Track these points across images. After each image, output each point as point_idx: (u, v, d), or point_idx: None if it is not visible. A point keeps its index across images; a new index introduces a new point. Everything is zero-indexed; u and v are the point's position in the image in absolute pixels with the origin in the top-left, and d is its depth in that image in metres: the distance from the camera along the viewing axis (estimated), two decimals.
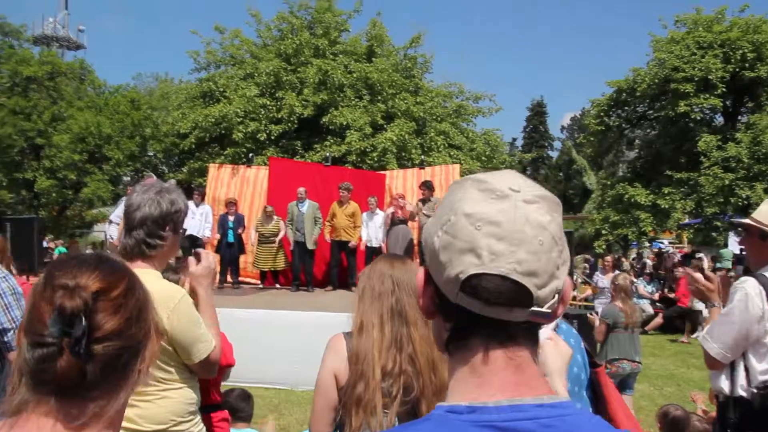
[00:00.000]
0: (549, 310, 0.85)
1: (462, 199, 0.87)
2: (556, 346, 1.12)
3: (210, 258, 2.41)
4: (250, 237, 11.74)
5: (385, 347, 1.98)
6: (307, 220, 11.03)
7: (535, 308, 0.83)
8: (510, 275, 0.82)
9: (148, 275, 2.18)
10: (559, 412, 0.83)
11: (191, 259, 2.39)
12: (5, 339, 2.64)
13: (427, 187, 11.00)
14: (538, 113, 51.64)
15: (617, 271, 9.86)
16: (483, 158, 21.69)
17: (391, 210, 11.28)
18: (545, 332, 1.10)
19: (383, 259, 2.20)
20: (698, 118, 19.50)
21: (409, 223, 11.17)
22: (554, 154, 52.79)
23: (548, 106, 52.85)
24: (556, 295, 0.85)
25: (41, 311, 0.98)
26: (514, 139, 50.34)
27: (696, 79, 18.64)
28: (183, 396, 2.27)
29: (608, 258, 12.11)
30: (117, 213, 9.57)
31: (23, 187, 24.82)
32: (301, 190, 11.13)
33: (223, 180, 14.00)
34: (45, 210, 24.60)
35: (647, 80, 19.83)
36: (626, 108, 22.28)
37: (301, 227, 11.04)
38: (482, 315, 0.84)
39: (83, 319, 0.96)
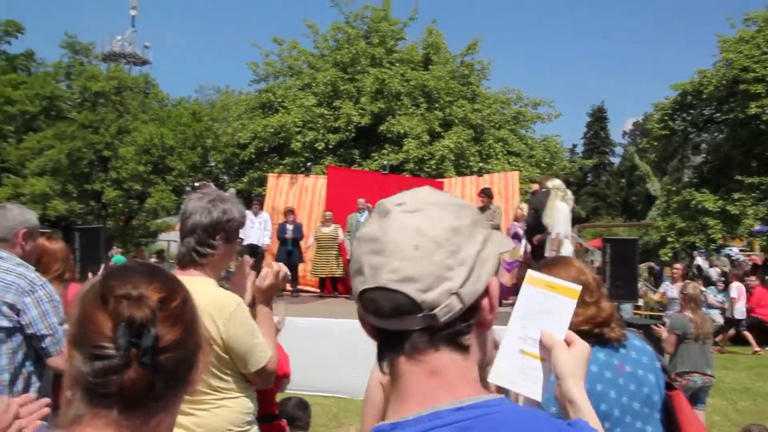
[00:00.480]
0: (448, 312, 0.84)
1: (362, 226, 0.92)
2: (570, 346, 1.07)
3: (278, 276, 2.39)
4: (308, 244, 11.83)
5: None
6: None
7: (426, 313, 0.83)
8: (388, 285, 0.83)
9: (201, 283, 2.19)
10: (480, 413, 0.82)
11: (263, 271, 2.37)
12: (43, 345, 2.67)
13: (486, 194, 10.82)
14: (598, 119, 50.45)
15: (687, 281, 9.49)
16: (542, 165, 21.34)
17: None
18: (560, 331, 1.06)
19: None
20: None
21: None
22: (616, 161, 51.63)
23: (609, 112, 51.77)
24: (453, 296, 0.84)
25: (99, 322, 0.95)
26: (574, 146, 49.27)
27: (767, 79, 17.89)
28: (240, 405, 2.25)
29: (678, 266, 11.66)
30: None
31: (92, 197, 25.68)
32: (362, 201, 11.16)
33: (282, 189, 14.17)
34: (112, 220, 25.42)
35: (714, 82, 19.12)
36: (692, 111, 21.55)
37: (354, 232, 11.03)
38: (384, 329, 0.87)
39: (151, 329, 0.95)
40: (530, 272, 1.11)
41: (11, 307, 2.60)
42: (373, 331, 0.90)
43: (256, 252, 12.24)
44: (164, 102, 29.22)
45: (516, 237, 10.70)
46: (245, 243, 12.14)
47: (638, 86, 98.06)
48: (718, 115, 21.16)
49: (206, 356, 1.07)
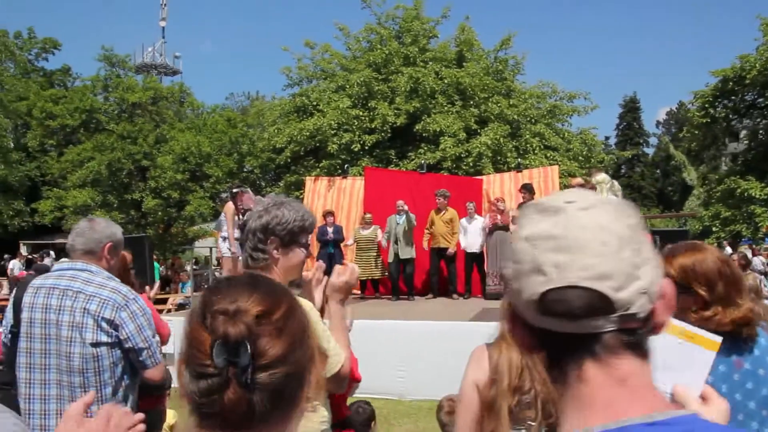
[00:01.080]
0: (639, 313, 0.80)
1: (522, 225, 0.87)
2: (707, 403, 0.98)
3: (353, 275, 2.37)
4: (348, 245, 11.82)
5: (515, 365, 1.92)
6: (402, 232, 11.01)
7: (620, 313, 0.80)
8: (580, 283, 0.79)
9: None
10: (676, 431, 0.77)
11: (336, 269, 2.34)
12: (140, 358, 2.71)
13: (527, 190, 10.69)
14: (631, 109, 49.67)
15: (748, 271, 9.25)
16: (580, 158, 21.10)
17: (489, 216, 11.11)
18: (696, 386, 0.97)
19: None
20: None
21: (511, 228, 10.93)
22: (650, 151, 50.77)
23: (642, 102, 50.82)
24: (644, 296, 0.80)
25: (201, 340, 0.93)
26: (607, 138, 48.45)
27: None
28: (317, 414, 2.21)
29: (734, 256, 11.36)
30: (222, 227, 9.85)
31: (132, 207, 26.13)
32: (400, 203, 11.10)
33: (320, 192, 14.20)
34: (152, 228, 25.81)
35: (758, 66, 18.58)
36: (733, 98, 21.01)
37: (399, 239, 11.01)
38: (568, 333, 0.82)
39: (248, 346, 0.91)
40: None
41: (110, 322, 2.64)
42: (540, 338, 0.85)
43: None
44: (199, 110, 29.59)
45: None
46: None
47: (669, 75, 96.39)
48: (761, 100, 20.60)
49: (319, 370, 1.03)
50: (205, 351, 0.91)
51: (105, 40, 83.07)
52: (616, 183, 8.52)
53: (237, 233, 9.74)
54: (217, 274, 10.65)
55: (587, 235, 0.81)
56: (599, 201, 0.85)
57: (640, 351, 0.83)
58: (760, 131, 21.88)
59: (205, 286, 1.09)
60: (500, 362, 1.94)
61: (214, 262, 16.18)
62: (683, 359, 0.99)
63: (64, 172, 25.03)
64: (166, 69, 37.35)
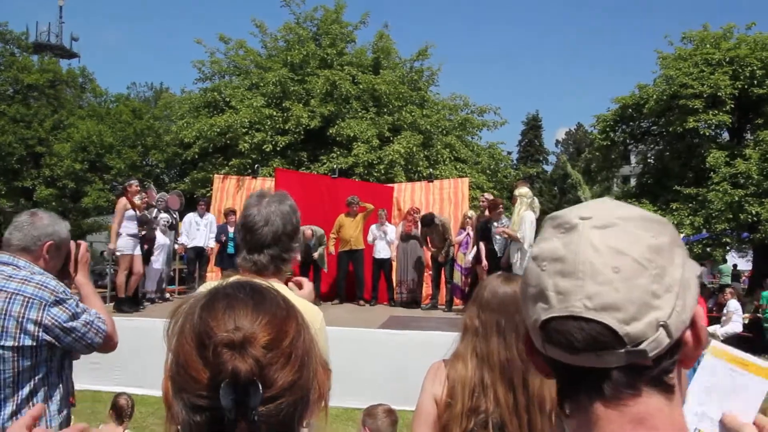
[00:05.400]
0: (655, 347, 0.73)
1: (537, 240, 0.82)
2: None
3: (310, 286, 2.35)
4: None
5: (468, 387, 1.95)
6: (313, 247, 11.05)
7: (629, 348, 0.73)
8: (582, 313, 0.73)
9: (286, 293, 2.10)
10: None
11: (292, 286, 2.30)
12: (86, 342, 2.54)
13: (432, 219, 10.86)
14: (533, 127, 51.53)
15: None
16: (488, 171, 21.73)
17: (404, 224, 11.28)
18: (748, 415, 0.92)
19: (495, 285, 2.09)
20: (706, 134, 19.43)
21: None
22: (549, 168, 52.82)
23: (543, 120, 52.80)
24: (662, 329, 0.73)
25: (197, 371, 0.83)
26: (510, 153, 50.11)
27: (705, 95, 18.58)
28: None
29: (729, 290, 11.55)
30: (127, 225, 9.44)
31: (22, 195, 24.67)
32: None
33: (229, 191, 13.92)
34: None
35: (655, 96, 19.79)
36: (631, 123, 22.26)
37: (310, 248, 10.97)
38: (575, 365, 0.76)
39: (259, 385, 0.82)
40: (716, 344, 0.98)
41: (36, 323, 2.40)
42: (552, 367, 0.80)
43: (201, 255, 11.98)
44: (102, 98, 28.32)
45: (465, 244, 10.89)
46: (190, 245, 11.87)
47: (570, 97, 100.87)
48: (655, 128, 21.94)
49: (325, 381, 0.95)
50: (203, 384, 0.82)
51: None
52: (536, 200, 8.78)
53: (133, 228, 9.42)
54: (111, 270, 10.19)
55: (597, 259, 0.74)
56: (621, 218, 0.77)
57: (663, 386, 0.76)
58: (650, 156, 23.26)
59: (192, 299, 0.93)
60: (455, 383, 1.95)
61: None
62: (734, 387, 0.94)
63: None
64: (63, 51, 35.26)
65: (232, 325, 0.84)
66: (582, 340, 0.74)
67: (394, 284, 11.45)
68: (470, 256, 10.41)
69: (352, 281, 11.41)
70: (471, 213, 11.17)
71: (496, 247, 9.33)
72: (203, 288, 2.22)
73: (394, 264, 11.44)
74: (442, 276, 10.85)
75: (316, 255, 10.95)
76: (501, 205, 9.63)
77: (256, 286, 0.93)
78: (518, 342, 1.92)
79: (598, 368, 0.75)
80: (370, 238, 11.28)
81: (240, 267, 2.24)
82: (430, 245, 10.75)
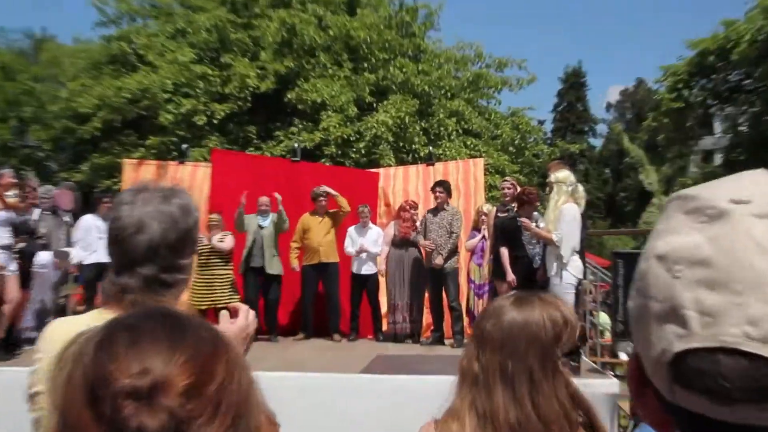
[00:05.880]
0: None
1: (659, 232, 0.82)
2: None
3: (249, 316, 2.24)
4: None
5: None
6: (268, 240, 10.97)
7: None
8: (741, 345, 0.71)
9: None
10: None
11: (224, 314, 2.23)
12: None
13: (444, 188, 10.83)
14: (574, 86, 51.42)
15: None
16: (511, 149, 21.69)
17: (397, 224, 11.16)
18: None
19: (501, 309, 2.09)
20: None
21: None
22: (597, 143, 52.77)
23: (588, 76, 52.52)
24: None
25: (85, 424, 0.82)
26: (541, 123, 49.18)
27: None
28: None
29: None
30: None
31: None
32: (264, 200, 11.07)
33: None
34: None
35: (748, 37, 19.46)
36: (713, 77, 22.14)
37: (260, 250, 10.95)
38: (722, 422, 0.73)
39: None
40: None
41: None
42: (681, 421, 0.78)
43: (103, 274, 11.81)
44: None
45: (480, 252, 10.81)
46: (89, 261, 11.69)
47: (627, 43, 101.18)
48: (749, 82, 21.81)
49: None
50: None
51: None
52: (580, 187, 8.65)
53: (5, 237, 9.32)
54: None
55: (765, 264, 0.71)
56: None
57: None
58: (742, 122, 23.14)
59: (84, 337, 0.93)
60: None
61: None
62: None
63: None
64: None
65: (137, 368, 0.84)
66: (741, 386, 0.71)
67: (383, 310, 11.41)
68: (486, 268, 10.34)
69: (322, 307, 11.34)
70: (488, 207, 11.06)
71: (531, 253, 9.30)
72: (94, 317, 2.10)
73: (383, 282, 11.37)
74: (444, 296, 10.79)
75: (273, 268, 10.87)
76: (533, 197, 9.53)
77: (172, 313, 0.94)
78: (534, 393, 1.92)
79: (760, 428, 0.72)
80: (347, 245, 11.20)
81: (104, 295, 2.19)
82: (423, 242, 10.66)
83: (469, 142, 19.86)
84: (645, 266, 0.81)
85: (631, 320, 0.84)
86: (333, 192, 11.20)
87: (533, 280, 8.80)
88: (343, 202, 11.20)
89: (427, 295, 11.19)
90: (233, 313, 2.26)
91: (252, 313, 2.27)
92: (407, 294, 11.17)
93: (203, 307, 11.21)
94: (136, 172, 13.90)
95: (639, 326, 0.81)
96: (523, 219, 8.97)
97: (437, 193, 10.82)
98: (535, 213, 9.42)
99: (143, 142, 18.96)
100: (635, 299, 0.82)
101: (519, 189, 10.05)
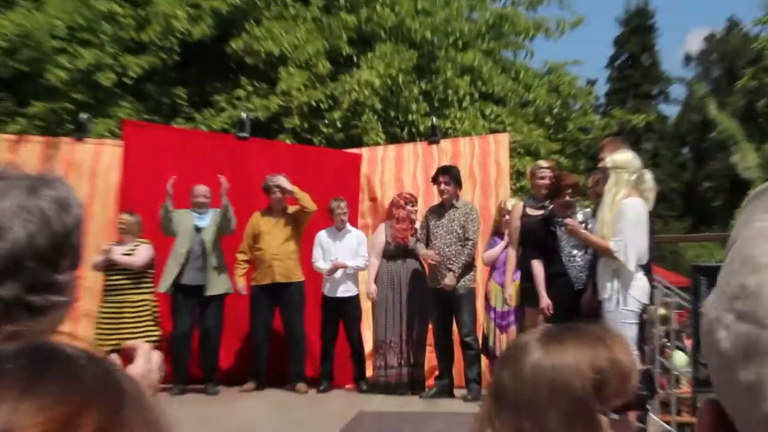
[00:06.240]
0: None
1: (763, 234, 0.82)
2: None
3: (151, 360, 2.27)
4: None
5: None
6: (208, 247, 10.94)
7: None
8: None
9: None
10: None
11: (142, 348, 2.26)
12: None
13: (453, 178, 10.75)
14: (638, 30, 51.28)
15: None
16: (548, 119, 21.74)
17: (389, 225, 11.15)
18: None
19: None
20: None
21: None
22: (672, 112, 52.60)
23: (658, 18, 52.40)
24: None
25: None
26: (591, 84, 48.26)
27: None
28: None
29: None
30: None
31: None
32: (201, 190, 11.02)
33: (28, 166, 13.70)
34: None
35: None
36: None
37: (197, 261, 10.87)
38: None
39: None
40: None
41: None
42: None
43: None
44: None
45: (501, 267, 10.73)
46: None
47: None
48: None
49: None
50: None
51: None
52: (648, 174, 8.61)
53: None
54: None
55: None
56: None
57: None
58: None
59: None
60: None
61: None
62: None
63: None
64: None
65: None
66: None
67: (367, 349, 11.47)
68: (510, 288, 10.26)
69: (281, 345, 11.36)
70: (512, 203, 11.01)
71: (575, 268, 9.22)
72: None
73: (368, 308, 11.34)
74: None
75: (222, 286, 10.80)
76: (577, 188, 9.51)
77: (39, 350, 0.94)
78: None
79: None
80: (316, 258, 11.21)
81: None
82: (425, 252, 10.63)
83: (488, 111, 20.01)
84: (754, 282, 0.80)
85: (725, 354, 0.82)
86: (289, 186, 11.10)
87: (576, 306, 8.73)
88: (305, 199, 11.09)
89: (430, 327, 11.17)
90: (129, 355, 2.27)
91: (156, 355, 2.29)
92: (402, 326, 11.15)
93: (108, 348, 11.14)
94: (14, 151, 13.85)
95: (744, 362, 0.80)
96: (568, 220, 8.92)
97: (442, 185, 10.73)
98: (586, 211, 9.36)
99: (24, 110, 18.86)
100: (733, 327, 0.81)
101: (560, 174, 10.01)
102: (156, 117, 18.01)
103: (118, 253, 10.88)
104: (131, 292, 10.89)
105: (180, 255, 10.96)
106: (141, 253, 10.91)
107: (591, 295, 8.76)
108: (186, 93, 19.10)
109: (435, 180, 10.94)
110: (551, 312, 9.02)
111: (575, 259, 9.26)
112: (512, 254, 10.19)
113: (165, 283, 10.97)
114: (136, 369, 2.17)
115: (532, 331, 2.09)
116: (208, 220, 11.06)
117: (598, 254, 8.59)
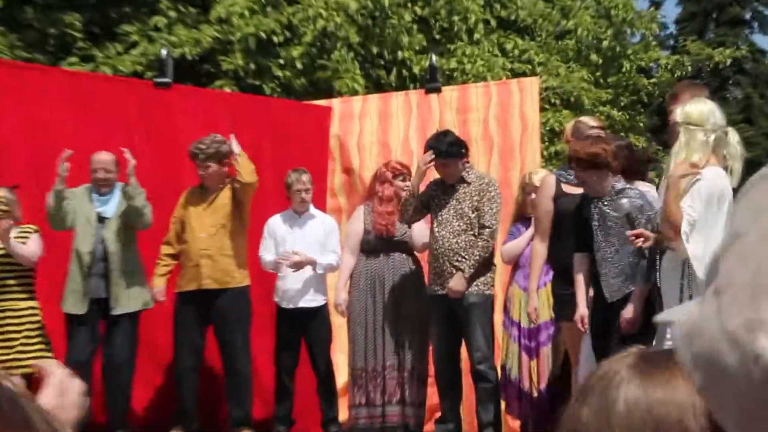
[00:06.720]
0: None
1: None
2: None
3: (70, 386, 2.38)
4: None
5: None
6: (113, 243, 10.84)
7: None
8: None
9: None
10: None
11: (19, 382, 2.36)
12: None
13: (457, 148, 10.68)
14: None
15: None
16: (594, 57, 21.77)
17: (369, 208, 11.17)
18: None
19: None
20: None
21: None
22: (763, 43, 52.88)
23: None
24: None
25: None
26: (656, 5, 47.86)
27: None
28: None
29: None
30: None
31: None
32: (103, 158, 10.92)
33: None
34: None
35: None
36: None
37: (99, 265, 10.80)
38: None
39: None
40: None
41: None
42: None
43: None
44: None
45: (524, 263, 10.73)
46: None
47: None
48: None
49: None
50: None
51: None
52: (734, 134, 8.61)
53: None
54: None
55: None
56: None
57: None
58: None
59: None
60: None
61: None
62: None
63: None
64: None
65: None
66: None
67: (341, 381, 11.55)
68: (536, 297, 10.19)
69: (217, 380, 11.41)
70: (540, 176, 10.98)
71: (607, 276, 9.08)
72: None
73: (340, 323, 11.37)
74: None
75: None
76: (634, 154, 9.53)
77: None
78: None
79: None
80: (265, 252, 11.26)
81: None
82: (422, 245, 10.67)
83: (510, 46, 20.02)
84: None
85: (761, 371, 0.87)
86: (235, 146, 10.88)
87: (610, 325, 8.60)
88: (245, 166, 10.85)
89: (429, 349, 11.17)
90: (38, 380, 2.31)
91: (77, 383, 2.40)
92: (388, 348, 11.15)
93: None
94: None
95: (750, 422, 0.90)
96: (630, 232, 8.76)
97: (443, 157, 10.59)
98: (644, 187, 9.33)
99: None
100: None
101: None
102: (39, 55, 18.02)
103: (11, 241, 10.34)
104: (18, 297, 10.55)
105: (85, 257, 10.62)
106: (33, 244, 10.57)
107: (636, 309, 8.67)
108: (80, 21, 19.08)
109: (434, 147, 10.64)
110: (585, 328, 8.99)
111: (611, 258, 9.01)
112: (540, 248, 10.09)
113: (73, 299, 10.58)
114: (47, 399, 2.23)
115: (620, 356, 1.94)
116: (112, 205, 10.76)
117: (651, 253, 8.48)
